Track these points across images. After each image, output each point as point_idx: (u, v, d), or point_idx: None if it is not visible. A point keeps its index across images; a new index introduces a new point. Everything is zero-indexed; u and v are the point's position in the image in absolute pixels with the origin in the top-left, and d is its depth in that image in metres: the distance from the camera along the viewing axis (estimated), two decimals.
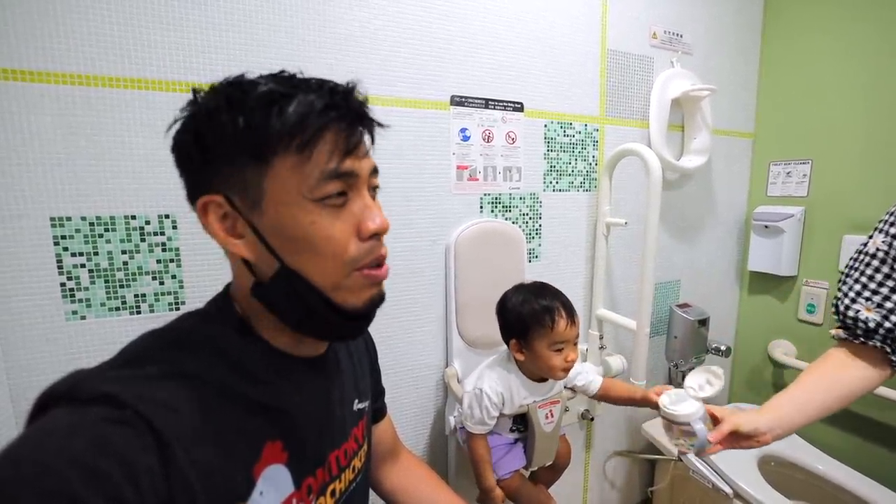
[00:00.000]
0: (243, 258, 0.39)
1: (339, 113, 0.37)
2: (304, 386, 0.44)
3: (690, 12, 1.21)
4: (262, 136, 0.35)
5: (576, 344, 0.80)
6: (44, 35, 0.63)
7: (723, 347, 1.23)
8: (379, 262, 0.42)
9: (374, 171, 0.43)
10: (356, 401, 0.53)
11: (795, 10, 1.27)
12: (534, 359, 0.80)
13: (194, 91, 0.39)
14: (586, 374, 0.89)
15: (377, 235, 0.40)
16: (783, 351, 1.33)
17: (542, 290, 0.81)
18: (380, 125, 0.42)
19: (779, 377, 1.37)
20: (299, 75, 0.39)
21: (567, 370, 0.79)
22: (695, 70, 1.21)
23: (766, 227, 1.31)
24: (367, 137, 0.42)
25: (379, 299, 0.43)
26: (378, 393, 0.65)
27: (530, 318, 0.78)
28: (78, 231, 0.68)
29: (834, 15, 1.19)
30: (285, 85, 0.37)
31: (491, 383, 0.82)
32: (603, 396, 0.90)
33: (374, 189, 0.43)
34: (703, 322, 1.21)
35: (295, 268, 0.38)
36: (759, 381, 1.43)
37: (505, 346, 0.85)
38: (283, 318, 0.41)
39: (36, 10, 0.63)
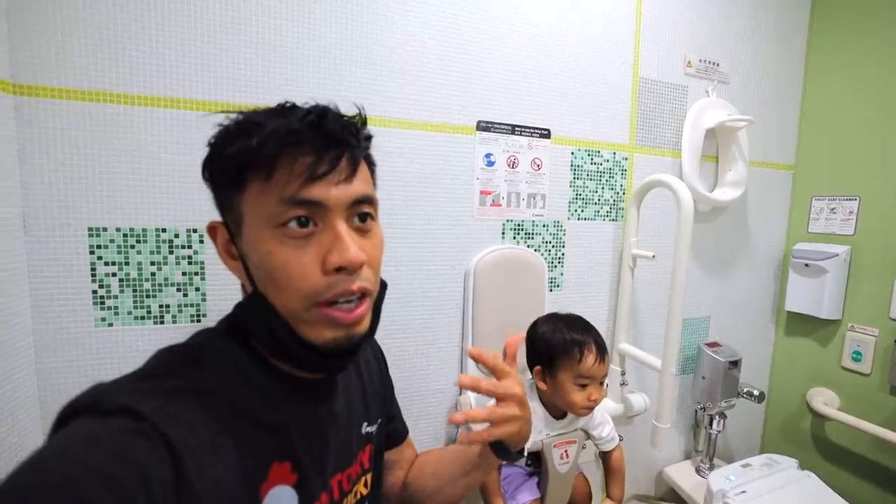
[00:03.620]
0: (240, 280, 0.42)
1: (300, 137, 0.36)
2: (312, 408, 0.44)
3: (728, 40, 1.18)
4: (234, 163, 0.38)
5: (602, 384, 0.78)
6: (91, 56, 0.68)
7: (756, 392, 1.16)
8: (348, 300, 0.38)
9: (362, 200, 0.40)
10: (364, 424, 0.53)
11: (842, 37, 1.22)
12: (556, 390, 0.78)
13: (220, 126, 0.41)
14: (611, 430, 0.87)
15: (345, 270, 0.37)
16: (824, 400, 1.23)
17: (576, 323, 0.81)
18: (357, 148, 0.39)
19: (819, 428, 1.27)
20: (305, 105, 0.40)
21: (589, 409, 0.77)
22: (731, 99, 1.18)
23: (806, 265, 1.23)
24: (347, 163, 0.38)
25: (346, 344, 0.39)
26: (391, 416, 0.63)
27: (559, 347, 0.78)
28: (112, 241, 0.71)
29: (884, 42, 1.13)
30: (268, 115, 0.38)
31: None
32: (605, 460, 0.89)
33: (362, 217, 0.40)
34: (735, 363, 1.14)
35: (264, 294, 0.39)
36: (795, 431, 1.32)
37: (528, 375, 0.83)
38: (259, 343, 0.42)
39: (91, 33, 0.67)
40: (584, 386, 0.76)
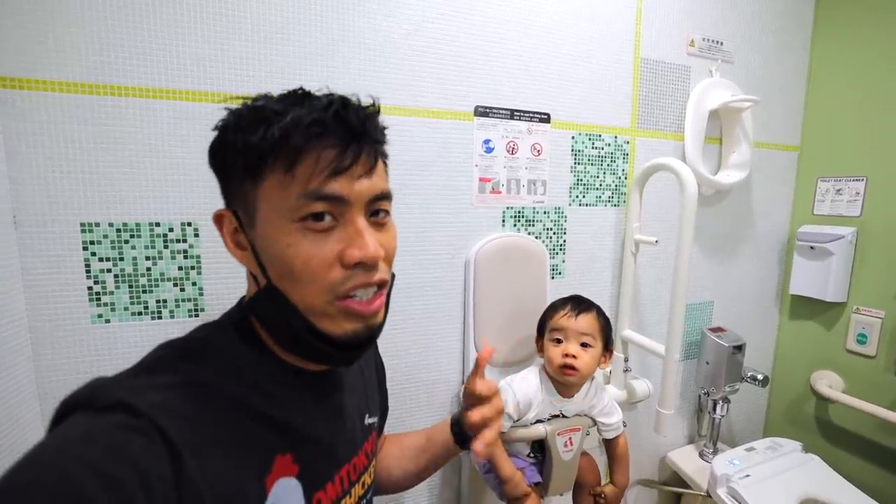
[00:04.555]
0: (249, 270, 0.41)
1: (326, 129, 0.35)
2: (314, 400, 0.44)
3: (732, 18, 1.14)
4: (253, 153, 0.36)
5: (584, 345, 0.78)
6: (82, 47, 0.66)
7: (759, 376, 1.15)
8: (366, 293, 0.38)
9: (381, 196, 0.39)
10: (367, 415, 0.53)
11: (849, 14, 1.18)
12: (544, 354, 0.82)
13: (226, 109, 0.40)
14: (617, 417, 0.86)
15: (363, 265, 0.37)
16: (828, 383, 1.23)
17: (570, 295, 0.85)
18: (379, 142, 0.39)
19: (823, 411, 1.27)
20: (318, 92, 0.39)
21: (567, 367, 0.77)
22: (735, 79, 1.15)
23: (811, 248, 1.22)
24: (368, 156, 0.38)
25: (365, 334, 0.40)
26: (384, 409, 0.64)
27: (544, 312, 0.85)
28: (105, 237, 0.70)
29: (892, 20, 1.10)
30: (286, 102, 0.37)
31: (520, 384, 0.81)
32: (609, 447, 0.89)
33: (378, 213, 0.40)
34: (739, 348, 1.13)
35: (279, 287, 0.38)
36: (799, 414, 1.32)
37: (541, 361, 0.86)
38: (271, 335, 0.41)
39: (75, 23, 0.65)
40: (558, 341, 0.79)
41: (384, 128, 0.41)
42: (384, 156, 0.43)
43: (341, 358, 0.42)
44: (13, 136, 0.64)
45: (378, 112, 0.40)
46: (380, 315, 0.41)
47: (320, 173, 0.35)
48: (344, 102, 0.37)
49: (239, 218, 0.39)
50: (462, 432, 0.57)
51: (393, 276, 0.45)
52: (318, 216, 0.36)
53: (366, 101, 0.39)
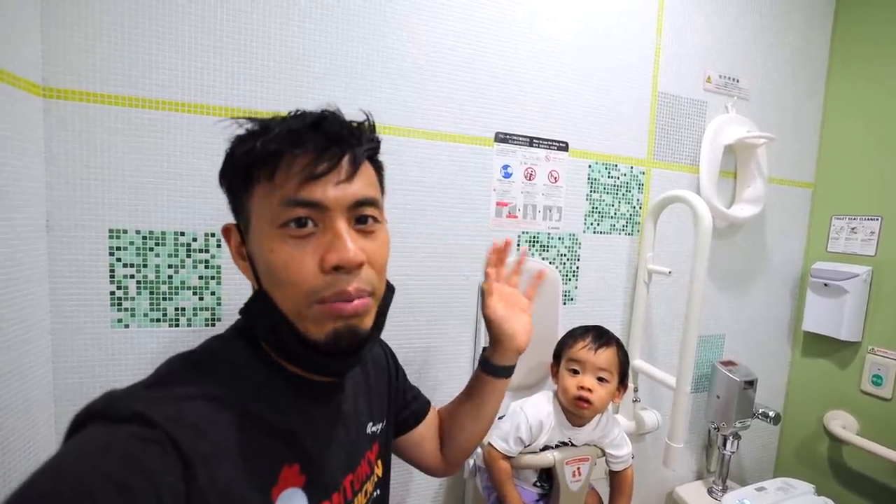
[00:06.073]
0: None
1: (300, 137, 0.37)
2: (320, 409, 0.45)
3: (749, 56, 1.17)
4: (242, 165, 0.39)
5: (601, 379, 0.78)
6: (123, 61, 0.69)
7: (771, 413, 1.13)
8: (346, 297, 0.38)
9: (364, 202, 0.40)
10: (370, 423, 0.53)
11: (865, 53, 1.20)
12: (558, 382, 0.81)
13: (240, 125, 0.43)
14: (627, 450, 0.85)
15: (343, 269, 0.37)
16: (842, 424, 1.20)
17: (591, 325, 0.84)
18: (356, 146, 0.39)
19: (836, 453, 1.23)
20: (315, 111, 0.40)
21: (581, 399, 0.76)
22: (751, 115, 1.16)
23: (825, 284, 1.21)
24: (348, 163, 0.39)
25: (346, 334, 0.39)
26: (405, 403, 0.63)
27: (562, 339, 0.84)
28: (131, 244, 0.72)
29: None
30: (278, 120, 0.40)
31: (532, 408, 0.81)
32: (614, 478, 0.87)
33: (366, 220, 0.40)
34: (751, 383, 1.11)
35: (269, 292, 0.40)
36: (811, 454, 1.29)
37: (555, 387, 0.86)
38: (264, 341, 0.42)
39: (120, 38, 0.68)
40: (575, 372, 0.78)
41: (372, 138, 0.43)
42: (376, 166, 0.45)
43: (333, 367, 0.42)
44: (54, 143, 0.67)
45: (365, 124, 0.43)
46: (365, 320, 0.41)
47: (294, 178, 0.37)
48: (321, 114, 0.39)
49: (241, 230, 0.42)
50: (486, 361, 0.62)
51: (392, 288, 0.47)
52: (299, 222, 0.37)
53: (360, 118, 0.43)
